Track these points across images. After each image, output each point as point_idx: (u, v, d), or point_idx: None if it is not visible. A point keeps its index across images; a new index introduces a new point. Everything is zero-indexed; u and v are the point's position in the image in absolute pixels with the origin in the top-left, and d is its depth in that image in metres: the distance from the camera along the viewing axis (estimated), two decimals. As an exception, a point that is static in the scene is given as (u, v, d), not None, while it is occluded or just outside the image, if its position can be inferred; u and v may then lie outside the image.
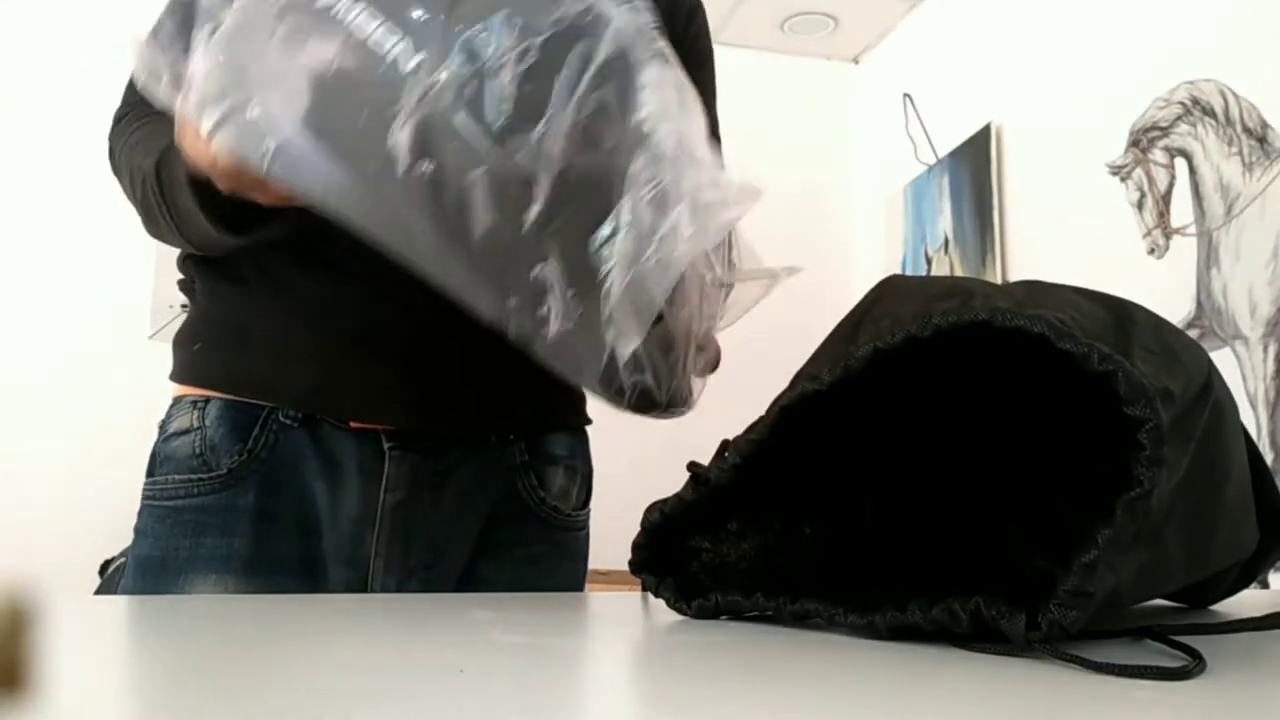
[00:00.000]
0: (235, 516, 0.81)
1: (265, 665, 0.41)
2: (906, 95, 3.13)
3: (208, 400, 0.84)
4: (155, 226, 0.78)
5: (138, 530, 0.84)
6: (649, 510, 0.59)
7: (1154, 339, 0.52)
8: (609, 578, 2.80)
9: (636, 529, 0.60)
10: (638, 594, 0.65)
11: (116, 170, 0.84)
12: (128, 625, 0.54)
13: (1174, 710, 0.38)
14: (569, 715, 0.36)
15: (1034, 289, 0.54)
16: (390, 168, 0.51)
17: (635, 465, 2.87)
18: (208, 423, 0.83)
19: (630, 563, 0.60)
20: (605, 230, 0.53)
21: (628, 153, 0.53)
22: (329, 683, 0.38)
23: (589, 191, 0.53)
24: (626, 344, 0.55)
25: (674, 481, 0.60)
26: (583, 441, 0.96)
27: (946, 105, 2.97)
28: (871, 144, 3.33)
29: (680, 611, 0.59)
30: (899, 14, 3.19)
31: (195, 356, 0.86)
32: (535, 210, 0.52)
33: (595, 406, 0.95)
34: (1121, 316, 0.52)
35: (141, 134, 0.79)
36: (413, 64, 0.51)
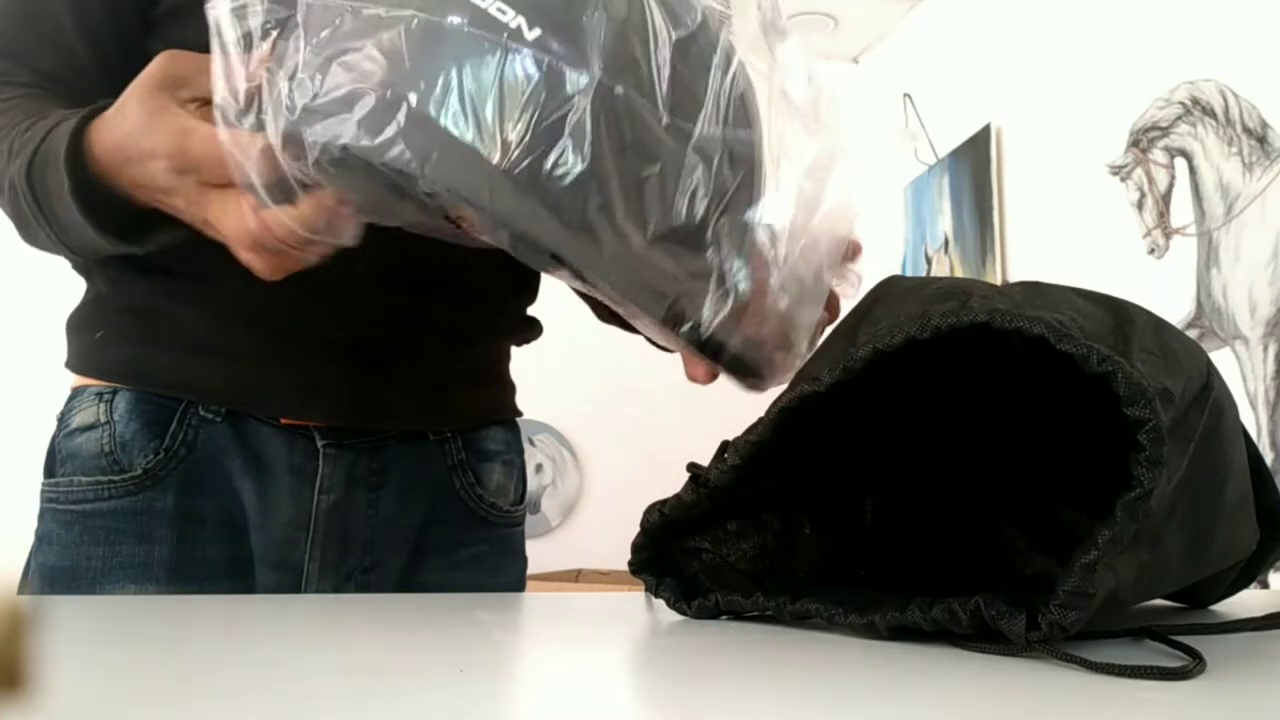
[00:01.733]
0: (154, 521, 0.75)
1: (264, 666, 0.41)
2: (906, 95, 3.13)
3: (115, 391, 0.77)
4: (30, 234, 0.68)
5: (40, 536, 0.78)
6: (648, 511, 0.59)
7: (1154, 339, 0.52)
8: (609, 578, 2.81)
9: (635, 529, 0.60)
10: (637, 594, 0.65)
11: None
12: (126, 625, 0.54)
13: (1174, 710, 0.38)
14: (569, 715, 0.36)
15: (1033, 289, 0.54)
16: (542, 168, 0.49)
17: (634, 465, 2.87)
18: (116, 417, 0.76)
19: (630, 563, 0.60)
20: (766, 202, 0.55)
21: (760, 127, 0.56)
22: (328, 683, 0.38)
23: (743, 171, 0.54)
24: (808, 314, 0.57)
25: (673, 481, 0.60)
26: (516, 434, 0.92)
27: (946, 105, 2.98)
28: (871, 144, 3.33)
29: (681, 612, 0.59)
30: (899, 14, 3.19)
31: (97, 345, 0.79)
32: (706, 196, 0.52)
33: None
34: (1121, 317, 0.52)
35: (7, 118, 0.67)
36: (579, 78, 0.49)
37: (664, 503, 0.59)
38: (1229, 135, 2.00)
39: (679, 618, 0.59)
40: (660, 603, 0.60)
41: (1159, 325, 0.54)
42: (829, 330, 0.60)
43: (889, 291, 0.59)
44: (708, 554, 0.61)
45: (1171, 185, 2.13)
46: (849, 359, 0.52)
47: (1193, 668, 0.43)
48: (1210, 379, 0.54)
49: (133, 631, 0.51)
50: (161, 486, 0.75)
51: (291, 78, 0.50)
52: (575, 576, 2.79)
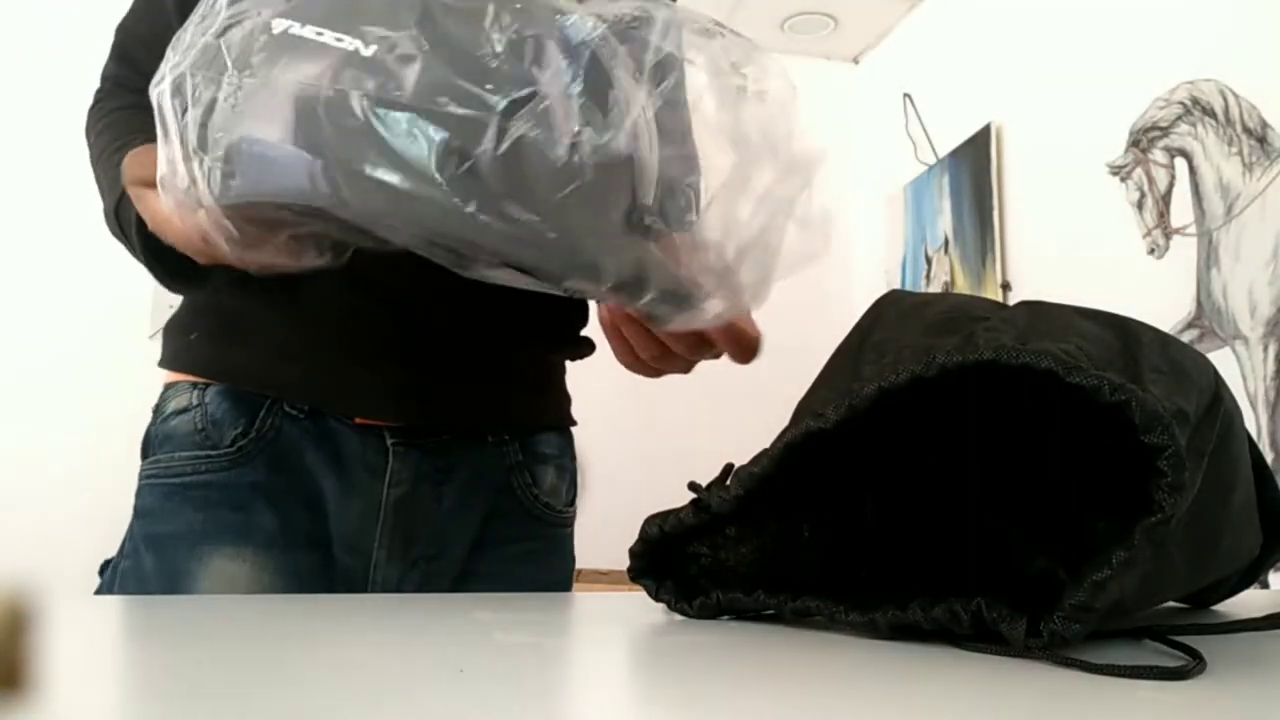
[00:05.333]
0: (245, 492, 0.81)
1: (264, 665, 0.41)
2: (906, 95, 3.13)
3: (207, 385, 0.84)
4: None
5: (141, 511, 0.84)
6: (647, 523, 0.59)
7: (1162, 357, 0.51)
8: (609, 577, 2.80)
9: (635, 528, 0.60)
10: (637, 594, 0.65)
11: (93, 163, 0.82)
12: (126, 626, 0.54)
13: (1174, 710, 0.38)
14: (569, 715, 0.36)
15: (1035, 313, 0.54)
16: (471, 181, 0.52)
17: (634, 465, 2.87)
18: (208, 400, 0.83)
19: (629, 570, 0.60)
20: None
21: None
22: (328, 683, 0.38)
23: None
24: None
25: (672, 481, 0.60)
26: (569, 441, 0.98)
27: (946, 105, 2.98)
28: (871, 144, 3.33)
29: (683, 613, 0.59)
30: (899, 14, 3.19)
31: (191, 345, 0.87)
32: (623, 212, 0.55)
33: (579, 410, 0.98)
34: (1127, 337, 0.52)
35: (108, 136, 0.79)
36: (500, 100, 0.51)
37: (664, 519, 0.59)
38: (1229, 135, 2.00)
39: (679, 617, 0.59)
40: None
41: (1165, 341, 0.54)
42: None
43: (887, 312, 0.59)
44: (706, 559, 0.61)
45: (1171, 185, 2.13)
46: (854, 397, 0.53)
47: (1193, 668, 0.43)
48: (1219, 389, 0.54)
49: (134, 632, 0.51)
50: (252, 464, 0.82)
51: (204, 150, 0.55)
52: (575, 576, 2.78)
